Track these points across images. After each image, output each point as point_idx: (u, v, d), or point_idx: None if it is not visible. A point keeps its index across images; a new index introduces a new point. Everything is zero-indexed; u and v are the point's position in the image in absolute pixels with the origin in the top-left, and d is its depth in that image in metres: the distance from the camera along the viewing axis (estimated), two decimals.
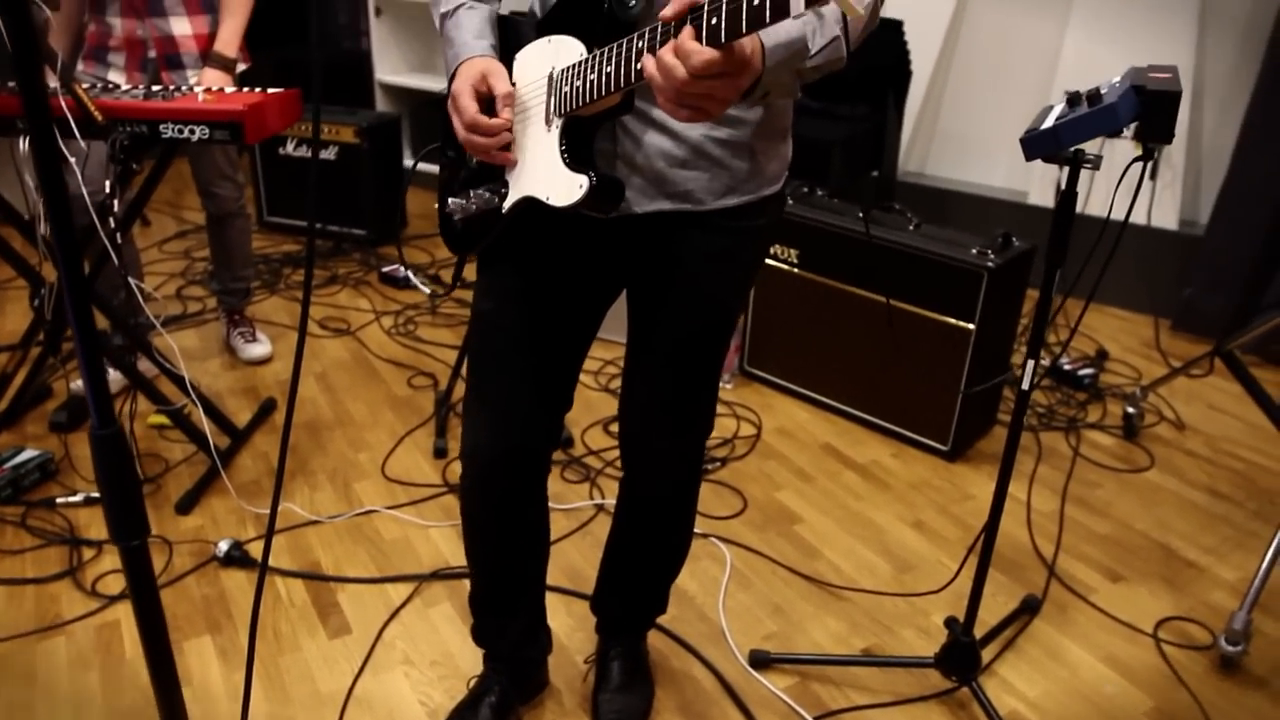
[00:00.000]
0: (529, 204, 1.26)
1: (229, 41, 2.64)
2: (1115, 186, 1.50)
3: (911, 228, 2.63)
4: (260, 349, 3.11)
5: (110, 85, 2.33)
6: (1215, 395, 3.09)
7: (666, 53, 0.99)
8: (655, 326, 1.45)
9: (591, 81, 1.14)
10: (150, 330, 2.71)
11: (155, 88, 2.22)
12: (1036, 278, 1.77)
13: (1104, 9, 3.63)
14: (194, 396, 2.31)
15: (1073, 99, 1.35)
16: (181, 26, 2.63)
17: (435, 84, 4.61)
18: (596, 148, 1.25)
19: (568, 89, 1.18)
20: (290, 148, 4.03)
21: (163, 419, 2.64)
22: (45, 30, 2.07)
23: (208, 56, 2.65)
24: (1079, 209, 1.43)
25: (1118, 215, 1.48)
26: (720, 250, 1.38)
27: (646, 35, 1.05)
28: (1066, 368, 3.12)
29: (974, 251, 2.48)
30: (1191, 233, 3.63)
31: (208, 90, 2.20)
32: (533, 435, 1.49)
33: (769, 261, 2.84)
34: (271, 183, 4.14)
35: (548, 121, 1.22)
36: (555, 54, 1.22)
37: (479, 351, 1.47)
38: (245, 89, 2.26)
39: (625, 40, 1.08)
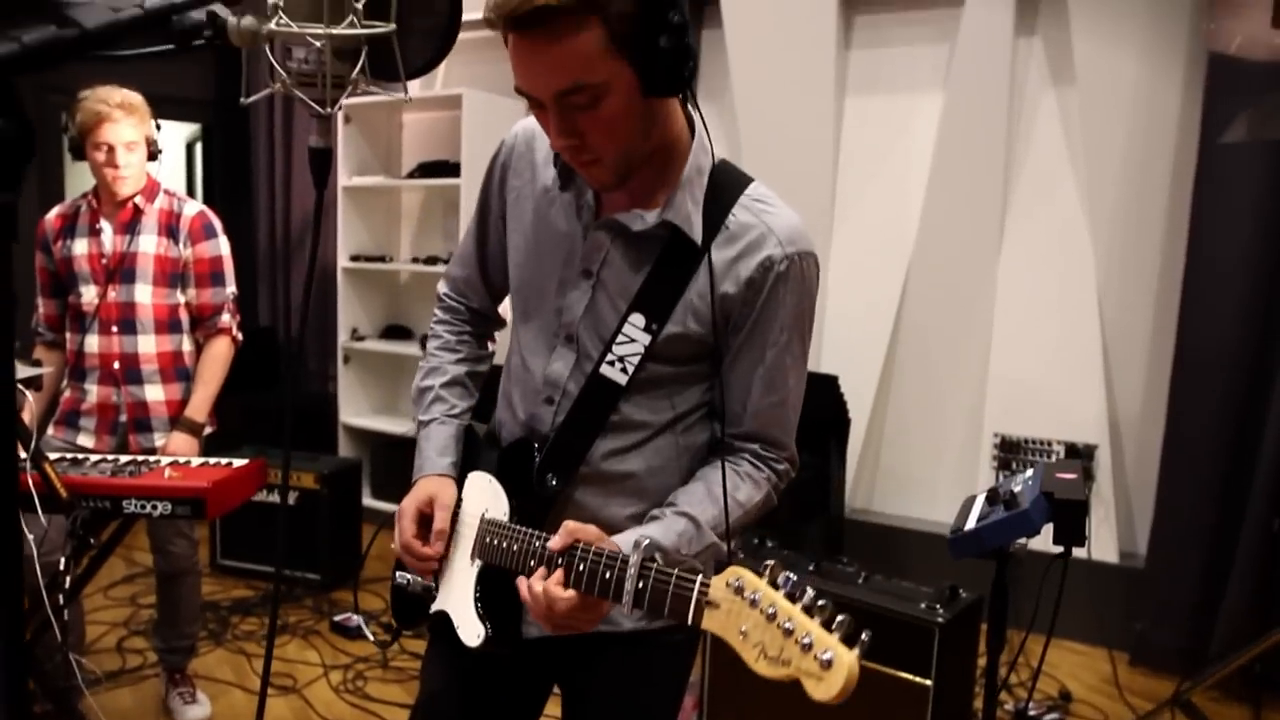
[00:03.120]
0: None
1: (200, 408, 2.76)
2: (1046, 571, 1.58)
3: (860, 581, 2.68)
4: (198, 712, 2.96)
5: (79, 456, 2.34)
6: None
7: (536, 581, 1.14)
8: None
9: (502, 550, 1.25)
10: (80, 695, 2.59)
11: (123, 460, 2.26)
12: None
13: (1021, 348, 3.96)
14: None
15: (991, 496, 1.46)
16: (155, 393, 2.75)
17: (397, 426, 4.80)
18: None
19: (489, 541, 1.28)
20: None
21: None
22: (21, 410, 2.15)
23: (177, 421, 2.75)
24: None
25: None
26: (645, 665, 1.40)
27: (539, 546, 1.18)
28: (1032, 714, 3.07)
29: (923, 606, 2.52)
30: (1133, 565, 3.72)
31: (173, 464, 2.25)
32: None
33: None
34: (228, 526, 4.14)
35: (472, 556, 1.31)
36: (491, 498, 1.32)
37: None
38: (212, 461, 2.32)
39: (527, 535, 1.21)
